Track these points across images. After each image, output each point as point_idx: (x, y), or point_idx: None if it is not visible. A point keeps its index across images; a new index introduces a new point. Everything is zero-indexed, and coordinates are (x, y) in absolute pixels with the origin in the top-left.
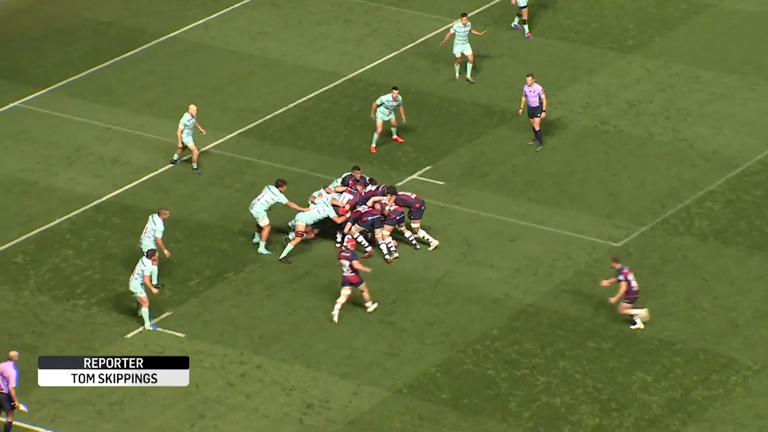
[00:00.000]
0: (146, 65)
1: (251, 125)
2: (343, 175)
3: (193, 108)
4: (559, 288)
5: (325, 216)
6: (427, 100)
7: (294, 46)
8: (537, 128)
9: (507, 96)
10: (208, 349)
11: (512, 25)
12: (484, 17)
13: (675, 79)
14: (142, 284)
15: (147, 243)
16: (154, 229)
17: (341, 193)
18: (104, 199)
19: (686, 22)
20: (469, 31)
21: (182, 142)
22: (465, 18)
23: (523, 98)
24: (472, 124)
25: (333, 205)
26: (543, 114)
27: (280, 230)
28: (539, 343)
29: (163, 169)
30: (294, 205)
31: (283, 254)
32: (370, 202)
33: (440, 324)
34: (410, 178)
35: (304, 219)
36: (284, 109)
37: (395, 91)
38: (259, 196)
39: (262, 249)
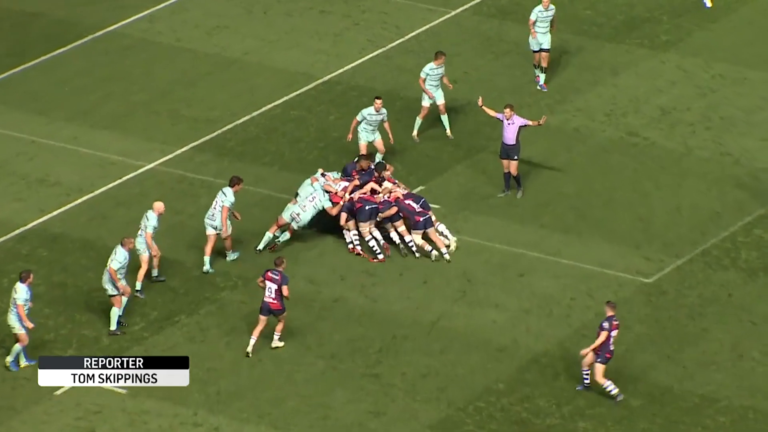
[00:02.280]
0: (79, 65)
1: (207, 137)
2: (345, 165)
3: None
4: (578, 333)
5: (320, 209)
6: (418, 107)
7: (259, 43)
8: (515, 173)
9: (513, 101)
10: (156, 408)
11: (538, 86)
12: (488, 7)
13: (717, 81)
14: (17, 316)
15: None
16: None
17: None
18: (29, 227)
19: (730, 14)
20: (441, 76)
21: None
22: (441, 59)
23: (498, 117)
24: (472, 136)
25: (325, 191)
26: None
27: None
28: (554, 400)
29: (100, 190)
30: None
31: (260, 245)
32: (367, 187)
33: (435, 376)
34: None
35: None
36: (247, 117)
37: (378, 102)
38: (214, 204)
39: (230, 257)
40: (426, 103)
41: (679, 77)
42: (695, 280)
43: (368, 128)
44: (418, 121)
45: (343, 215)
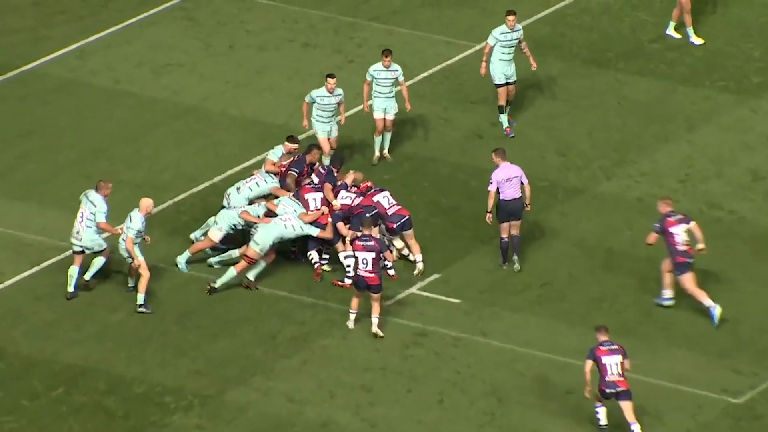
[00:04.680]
0: None
1: (158, 208)
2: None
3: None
4: None
5: (301, 234)
6: (432, 168)
7: (222, 85)
8: (517, 233)
9: (558, 164)
10: None
11: (507, 134)
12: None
13: None
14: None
15: (87, 236)
16: (93, 212)
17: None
18: None
19: None
20: (395, 80)
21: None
22: (388, 59)
23: (490, 190)
24: None
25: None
26: (527, 207)
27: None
28: None
29: (12, 280)
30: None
31: (217, 283)
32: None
33: None
34: (408, 291)
35: (262, 239)
36: (207, 184)
37: (331, 81)
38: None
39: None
40: (377, 115)
41: None
42: None
43: (323, 118)
44: (377, 139)
45: (344, 229)
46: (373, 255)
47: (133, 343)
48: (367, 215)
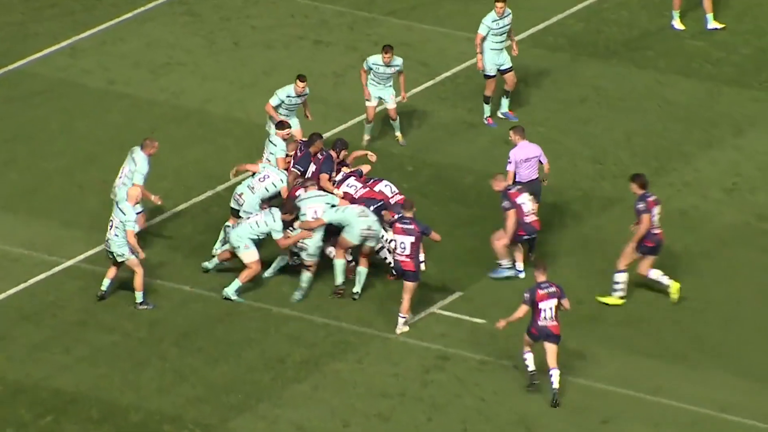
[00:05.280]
0: None
1: (152, 221)
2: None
3: None
4: None
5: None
6: (455, 176)
7: (226, 86)
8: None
9: (593, 172)
10: None
11: (499, 113)
12: (555, 37)
13: None
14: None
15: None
16: (132, 170)
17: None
18: None
19: None
20: (395, 73)
21: None
22: (388, 55)
23: (509, 171)
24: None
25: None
26: (545, 182)
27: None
28: None
29: None
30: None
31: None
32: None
33: None
34: (428, 311)
35: (312, 247)
36: (210, 193)
37: (301, 84)
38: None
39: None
40: (370, 103)
41: None
42: None
43: (289, 113)
44: (367, 126)
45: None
46: (412, 239)
47: (129, 367)
48: (371, 208)
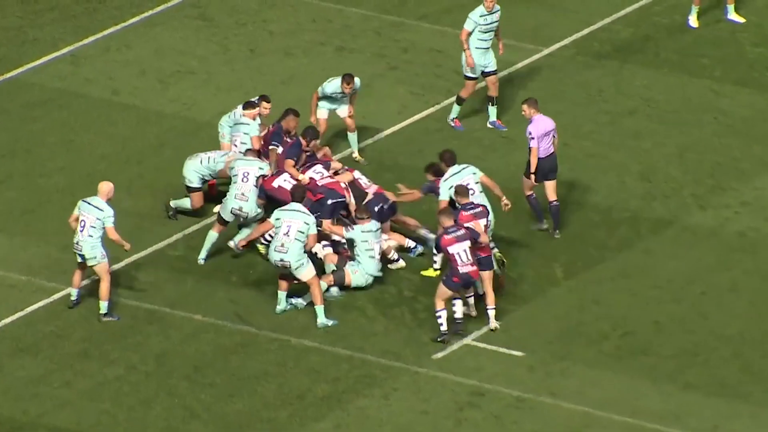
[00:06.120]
0: None
1: (156, 246)
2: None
3: None
4: None
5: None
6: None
7: (241, 97)
8: (553, 199)
9: (642, 190)
10: None
11: (488, 123)
12: (600, 43)
13: None
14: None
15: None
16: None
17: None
18: None
19: None
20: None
21: None
22: (350, 86)
23: (533, 147)
24: (574, 242)
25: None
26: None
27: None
28: None
29: None
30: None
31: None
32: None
33: None
34: (462, 342)
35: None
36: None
37: (260, 107)
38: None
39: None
40: (322, 114)
41: None
42: None
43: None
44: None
45: (335, 228)
46: (468, 244)
47: (134, 403)
48: (330, 201)
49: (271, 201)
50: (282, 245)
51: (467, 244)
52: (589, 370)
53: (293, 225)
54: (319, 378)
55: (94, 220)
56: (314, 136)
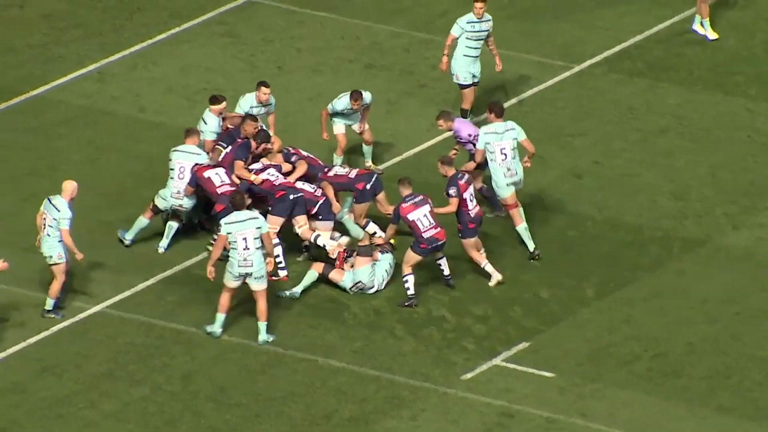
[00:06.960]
0: None
1: (182, 264)
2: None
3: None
4: None
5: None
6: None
7: None
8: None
9: (674, 210)
10: None
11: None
12: (632, 60)
13: None
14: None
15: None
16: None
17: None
18: None
19: None
20: (363, 109)
21: None
22: (357, 102)
23: (480, 149)
24: (607, 264)
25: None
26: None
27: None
28: None
29: (16, 347)
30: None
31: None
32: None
33: None
34: (491, 363)
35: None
36: None
37: (266, 90)
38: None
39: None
40: (338, 130)
41: None
42: None
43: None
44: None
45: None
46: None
47: (160, 423)
48: (291, 197)
49: (199, 189)
50: (245, 260)
51: (427, 208)
52: (620, 392)
53: (248, 236)
54: (347, 399)
55: (51, 219)
56: (265, 140)
